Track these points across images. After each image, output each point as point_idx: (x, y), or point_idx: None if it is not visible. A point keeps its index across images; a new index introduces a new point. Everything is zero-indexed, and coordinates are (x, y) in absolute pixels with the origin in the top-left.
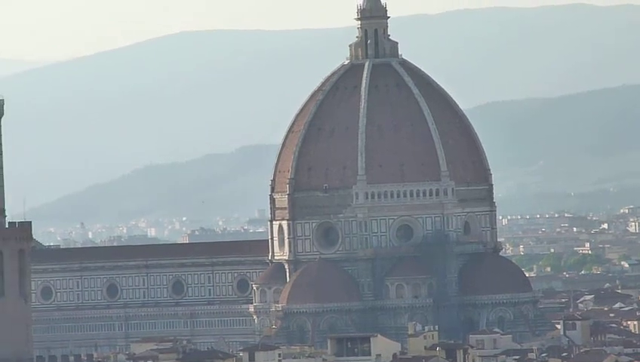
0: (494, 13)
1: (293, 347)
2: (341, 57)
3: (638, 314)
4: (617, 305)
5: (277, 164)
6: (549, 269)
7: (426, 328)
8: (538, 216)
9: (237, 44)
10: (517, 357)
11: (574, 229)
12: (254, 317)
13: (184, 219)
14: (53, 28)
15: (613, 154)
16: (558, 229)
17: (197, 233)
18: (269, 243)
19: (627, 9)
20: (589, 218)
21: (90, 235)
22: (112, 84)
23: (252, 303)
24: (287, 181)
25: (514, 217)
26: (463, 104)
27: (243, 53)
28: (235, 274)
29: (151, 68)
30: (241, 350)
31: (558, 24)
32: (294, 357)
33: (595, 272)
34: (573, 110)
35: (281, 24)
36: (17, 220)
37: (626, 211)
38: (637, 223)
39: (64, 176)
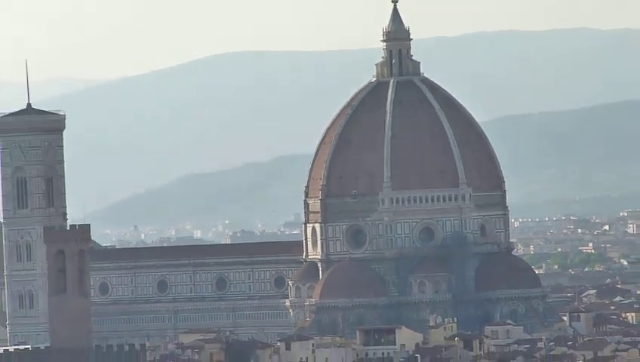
0: (507, 36)
1: (325, 338)
2: (368, 75)
3: (636, 306)
4: (617, 299)
5: (310, 173)
6: (556, 267)
7: (446, 320)
8: (547, 219)
9: (274, 64)
10: (527, 346)
11: (579, 231)
12: (290, 310)
13: (227, 222)
14: (109, 49)
15: (614, 164)
16: (564, 231)
17: (238, 235)
18: (304, 244)
19: (626, 32)
20: (592, 221)
21: (142, 237)
22: (160, 102)
23: (288, 298)
24: (320, 188)
25: (525, 220)
26: (480, 118)
27: (279, 73)
28: (273, 272)
29: (195, 87)
30: (278, 340)
31: (565, 45)
32: (326, 347)
33: (597, 269)
34: (580, 124)
35: (315, 46)
36: (77, 223)
37: (626, 214)
38: (635, 225)
39: (119, 184)
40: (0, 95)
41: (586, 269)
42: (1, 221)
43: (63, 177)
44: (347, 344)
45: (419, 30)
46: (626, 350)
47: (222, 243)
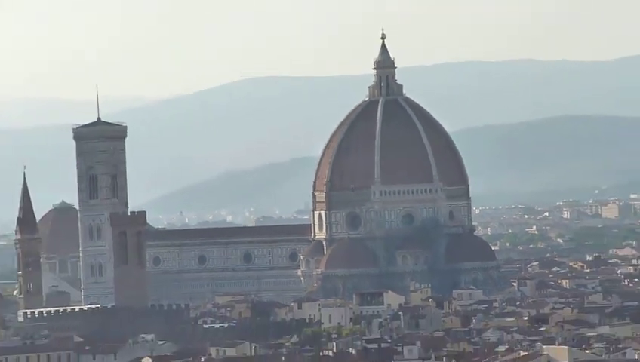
0: (471, 65)
1: (328, 299)
2: (362, 95)
3: (569, 275)
4: (555, 269)
5: (317, 171)
6: (508, 244)
7: (423, 286)
8: (500, 207)
9: (290, 86)
10: (485, 305)
11: (525, 216)
12: (301, 278)
13: (252, 209)
14: (163, 72)
15: (553, 165)
16: (514, 216)
17: (261, 219)
18: (312, 227)
19: (561, 62)
20: (535, 208)
21: (186, 220)
22: (202, 117)
23: (300, 269)
24: (325, 183)
25: (484, 208)
26: (449, 128)
27: (294, 94)
28: (288, 249)
29: (229, 105)
30: (292, 301)
31: (516, 72)
32: (329, 307)
33: (539, 246)
34: (527, 133)
35: (321, 73)
36: (136, 210)
37: (561, 204)
38: (568, 212)
39: (168, 180)
40: (74, 111)
41: (531, 246)
42: (78, 208)
43: (125, 174)
44: (346, 304)
45: (402, 60)
46: (561, 308)
47: (248, 226)
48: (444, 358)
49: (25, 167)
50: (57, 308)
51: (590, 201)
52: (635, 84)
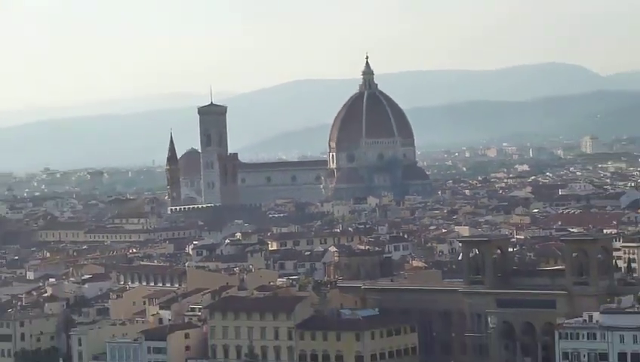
0: (418, 73)
1: (337, 201)
2: (355, 90)
3: (469, 187)
4: (462, 184)
5: (331, 131)
6: (435, 171)
7: (388, 194)
8: (431, 151)
9: (319, 87)
10: (423, 204)
11: (445, 155)
12: (323, 190)
13: (295, 151)
14: (239, 74)
15: (461, 127)
16: (436, 155)
17: (302, 156)
18: (328, 161)
19: (467, 72)
20: (451, 151)
21: (256, 158)
22: (268, 102)
23: (322, 184)
24: (335, 137)
25: (423, 151)
26: (404, 107)
27: (318, 91)
28: (315, 173)
29: (281, 96)
30: (318, 202)
31: (444, 77)
32: (338, 205)
33: (452, 172)
34: (448, 112)
35: (332, 76)
36: (231, 152)
37: (465, 148)
38: (469, 153)
39: (250, 136)
40: (196, 98)
41: (448, 172)
42: (200, 151)
43: (226, 133)
44: (347, 203)
45: (378, 69)
46: (465, 206)
47: (294, 161)
48: (401, 233)
49: (171, 128)
50: (189, 206)
51: (481, 147)
52: (513, 83)
